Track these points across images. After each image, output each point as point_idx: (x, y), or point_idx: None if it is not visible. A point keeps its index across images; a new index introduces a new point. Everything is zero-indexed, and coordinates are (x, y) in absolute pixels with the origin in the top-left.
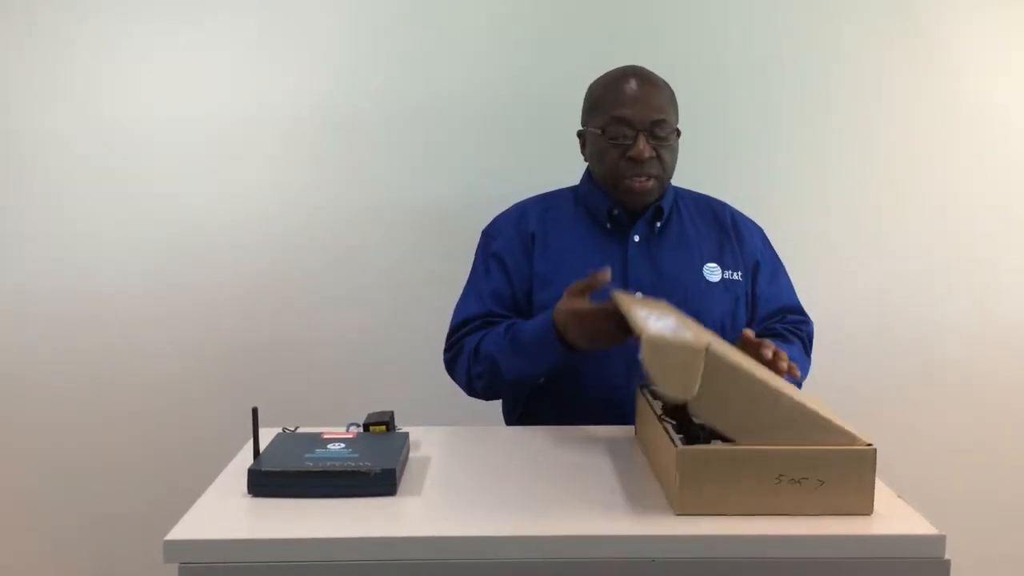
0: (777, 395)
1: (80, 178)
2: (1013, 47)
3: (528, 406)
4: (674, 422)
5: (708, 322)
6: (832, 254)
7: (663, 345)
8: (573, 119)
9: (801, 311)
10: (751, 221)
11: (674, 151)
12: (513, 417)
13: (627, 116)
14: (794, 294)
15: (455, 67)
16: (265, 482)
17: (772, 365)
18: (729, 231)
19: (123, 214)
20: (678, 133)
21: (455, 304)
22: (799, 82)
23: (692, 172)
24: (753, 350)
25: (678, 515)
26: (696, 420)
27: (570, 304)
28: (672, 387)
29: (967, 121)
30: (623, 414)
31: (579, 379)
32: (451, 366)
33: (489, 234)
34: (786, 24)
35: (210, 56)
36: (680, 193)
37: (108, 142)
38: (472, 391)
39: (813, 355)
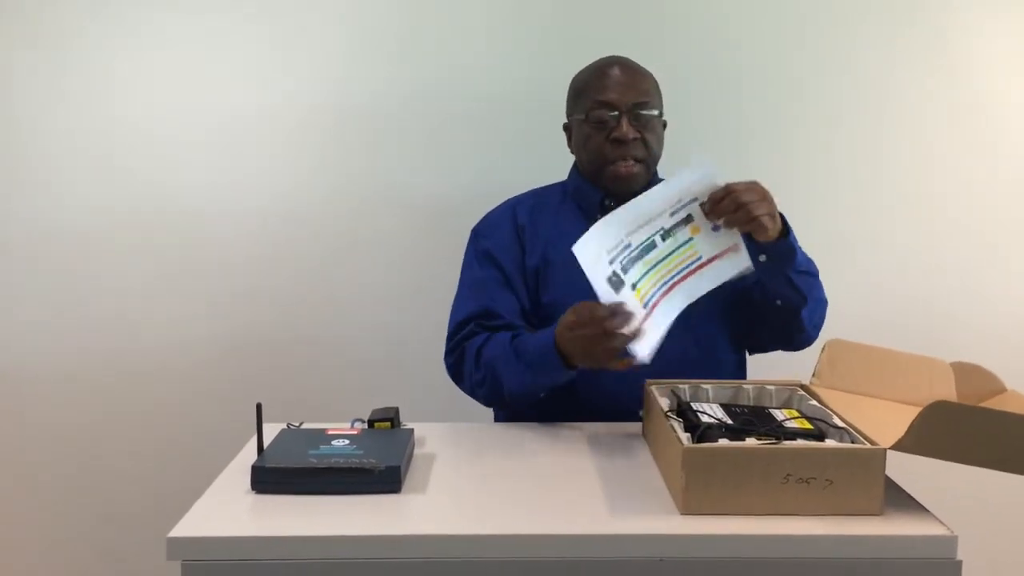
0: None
1: (82, 173)
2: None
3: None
4: (681, 420)
5: (712, 310)
6: (842, 250)
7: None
8: None
9: None
10: None
11: (659, 136)
12: (502, 414)
13: (610, 99)
14: None
15: (459, 63)
16: (269, 479)
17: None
18: None
19: (125, 209)
20: (664, 123)
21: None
22: (808, 78)
23: None
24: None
25: (684, 515)
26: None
27: (568, 318)
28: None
29: (976, 116)
30: (620, 410)
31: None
32: (455, 372)
33: (479, 232)
34: (795, 20)
35: (210, 51)
36: None
37: (110, 137)
38: (476, 397)
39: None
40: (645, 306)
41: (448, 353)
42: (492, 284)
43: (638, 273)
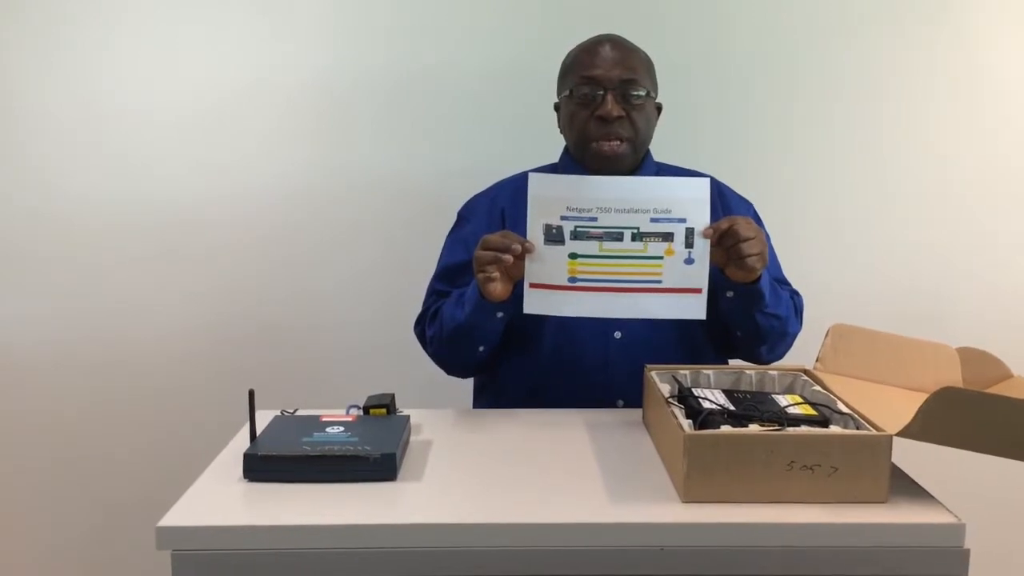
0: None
1: (71, 158)
2: None
3: (496, 396)
4: (682, 406)
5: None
6: (843, 235)
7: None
8: None
9: (790, 285)
10: (740, 196)
11: (648, 117)
12: (481, 401)
13: (596, 75)
14: (781, 271)
15: (455, 45)
16: (261, 467)
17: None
18: (715, 203)
19: (115, 197)
20: (658, 107)
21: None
22: (810, 67)
23: (704, 161)
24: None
25: (686, 503)
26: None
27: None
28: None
29: (978, 103)
30: (599, 401)
31: (545, 358)
32: (422, 339)
33: (462, 215)
34: (798, 7)
35: (198, 38)
36: (663, 167)
37: (100, 121)
38: (435, 359)
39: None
40: (571, 281)
41: (416, 324)
42: (467, 271)
43: (586, 249)
